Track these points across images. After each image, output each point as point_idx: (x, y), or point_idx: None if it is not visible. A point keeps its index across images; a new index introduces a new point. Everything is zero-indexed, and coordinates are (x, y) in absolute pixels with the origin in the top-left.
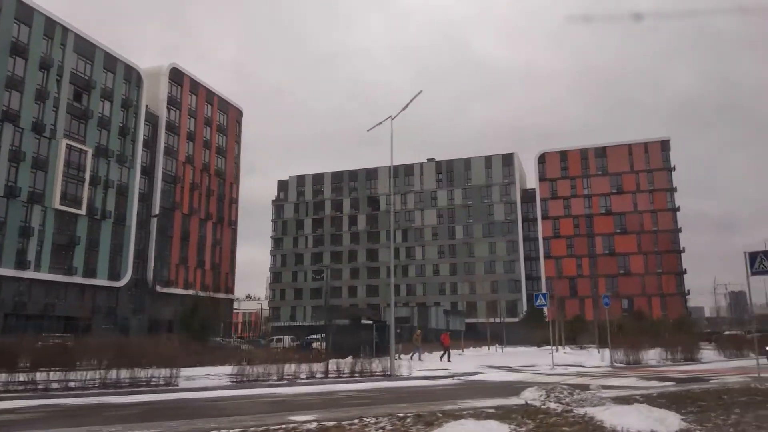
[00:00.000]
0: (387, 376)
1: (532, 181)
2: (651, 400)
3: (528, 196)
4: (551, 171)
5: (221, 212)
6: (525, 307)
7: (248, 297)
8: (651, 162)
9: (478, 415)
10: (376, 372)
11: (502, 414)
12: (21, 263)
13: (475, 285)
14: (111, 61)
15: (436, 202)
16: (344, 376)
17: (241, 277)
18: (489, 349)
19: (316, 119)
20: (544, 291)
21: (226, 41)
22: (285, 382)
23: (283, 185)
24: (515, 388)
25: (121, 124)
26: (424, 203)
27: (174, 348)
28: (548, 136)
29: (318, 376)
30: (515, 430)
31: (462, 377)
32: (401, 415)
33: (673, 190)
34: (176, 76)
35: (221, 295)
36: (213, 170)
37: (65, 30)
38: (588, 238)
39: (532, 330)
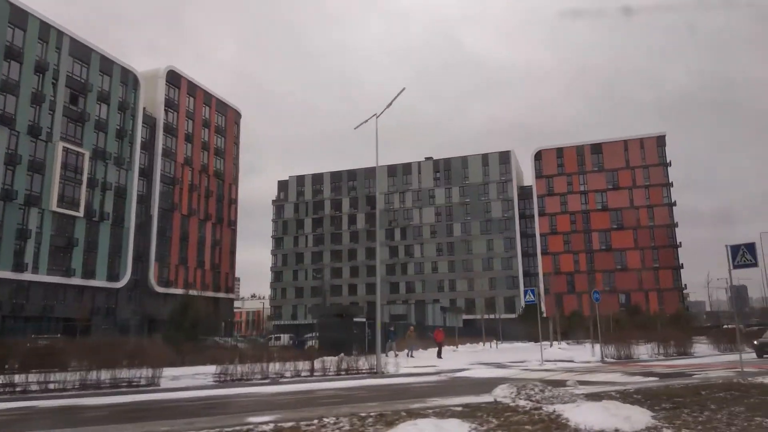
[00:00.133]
0: (373, 373)
1: (528, 179)
2: (626, 396)
3: (525, 193)
4: (547, 168)
5: (220, 213)
6: (523, 303)
7: (253, 296)
8: (647, 158)
9: (443, 413)
10: (362, 370)
11: (467, 413)
12: (18, 265)
13: (473, 282)
14: (107, 64)
15: (434, 200)
16: (330, 374)
17: (247, 277)
18: (484, 345)
19: (316, 120)
20: (542, 287)
21: (225, 43)
22: (268, 381)
23: (283, 185)
24: (495, 385)
25: (118, 127)
26: (422, 201)
27: (158, 348)
28: (546, 134)
29: (303, 374)
30: (476, 430)
31: (449, 374)
32: (363, 414)
33: (669, 185)
34: (173, 78)
35: (221, 295)
36: (212, 171)
37: (60, 33)
38: (585, 234)
39: (529, 326)
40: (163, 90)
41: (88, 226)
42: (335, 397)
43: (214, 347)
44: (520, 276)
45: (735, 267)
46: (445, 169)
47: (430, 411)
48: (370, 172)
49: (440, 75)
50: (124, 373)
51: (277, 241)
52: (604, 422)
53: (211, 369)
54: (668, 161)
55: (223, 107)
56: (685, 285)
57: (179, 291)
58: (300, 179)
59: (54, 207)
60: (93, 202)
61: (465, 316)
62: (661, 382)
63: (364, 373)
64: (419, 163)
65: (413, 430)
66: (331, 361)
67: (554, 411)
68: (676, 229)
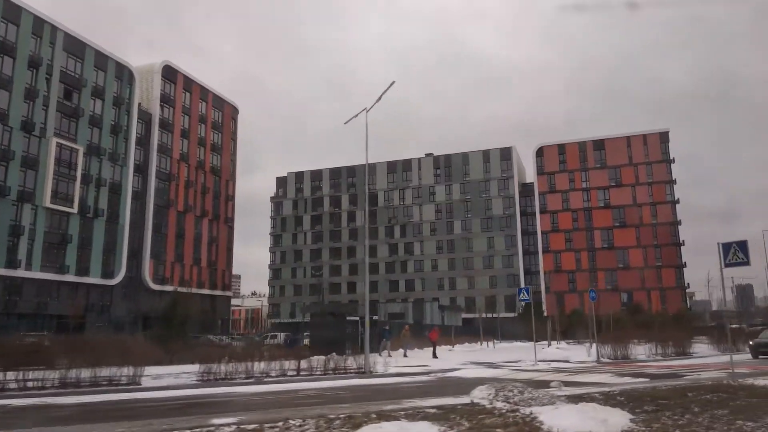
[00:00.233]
0: (361, 373)
1: (530, 175)
2: (609, 398)
3: (526, 190)
4: (549, 164)
5: (217, 209)
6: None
7: (254, 294)
8: (650, 154)
9: (415, 415)
10: (350, 369)
11: (440, 415)
12: (11, 262)
13: (473, 280)
14: (102, 59)
15: (435, 197)
16: (317, 373)
17: (249, 275)
18: (482, 344)
19: (316, 117)
20: (543, 285)
21: (226, 39)
22: (253, 380)
23: (281, 182)
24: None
25: (113, 122)
26: (423, 198)
27: (143, 346)
28: (548, 130)
29: (290, 374)
30: None
31: (439, 374)
32: (332, 416)
33: (672, 182)
34: (169, 73)
35: (218, 292)
36: (208, 167)
37: (54, 28)
38: (587, 231)
39: (529, 325)
40: (159, 85)
41: (82, 222)
42: (315, 398)
43: (207, 345)
44: (521, 274)
45: (726, 265)
46: (445, 165)
47: (402, 413)
48: (370, 169)
49: (441, 72)
50: (105, 372)
51: (276, 238)
52: (579, 425)
53: (196, 368)
54: (672, 158)
55: (219, 102)
56: (688, 284)
57: (184, 290)
58: (299, 176)
59: (47, 203)
60: (87, 198)
61: (465, 315)
62: (650, 383)
63: (351, 373)
64: (419, 159)
65: None
66: (318, 360)
67: (531, 413)
68: (679, 227)
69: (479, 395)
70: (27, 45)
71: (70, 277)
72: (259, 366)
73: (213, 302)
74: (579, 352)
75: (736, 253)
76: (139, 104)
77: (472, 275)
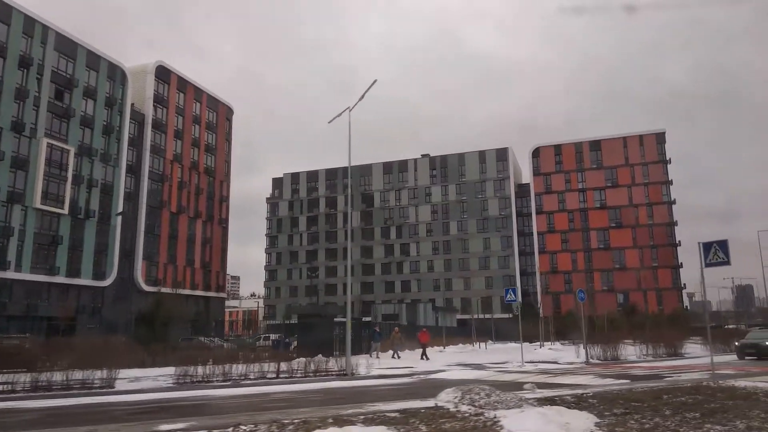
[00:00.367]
0: (343, 375)
1: (526, 176)
2: (581, 400)
3: (522, 190)
4: (545, 165)
5: (211, 210)
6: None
7: (252, 295)
8: (646, 155)
9: (373, 420)
10: (332, 371)
11: (400, 419)
12: (1, 263)
13: (469, 281)
14: (94, 59)
15: (430, 198)
16: (297, 376)
17: (247, 276)
18: (474, 345)
19: (314, 118)
20: (539, 286)
21: (226, 39)
22: (230, 383)
23: (277, 183)
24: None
25: (105, 123)
26: (418, 199)
27: (122, 348)
28: (545, 131)
29: (269, 376)
30: None
31: (422, 376)
32: (286, 421)
33: (668, 183)
34: (162, 73)
35: (212, 294)
36: (202, 168)
37: (45, 28)
38: (583, 232)
39: (524, 326)
40: (152, 85)
41: (73, 223)
42: (284, 401)
43: (195, 347)
44: (517, 275)
45: (707, 265)
46: (441, 166)
47: (362, 417)
48: (365, 169)
49: (441, 72)
50: (78, 375)
51: (272, 239)
52: (539, 429)
53: (175, 371)
54: (668, 158)
55: (214, 103)
56: (685, 284)
57: (168, 290)
58: (295, 176)
59: (38, 204)
60: (78, 199)
61: (460, 316)
62: (629, 384)
63: (332, 376)
64: (415, 160)
65: None
66: (299, 362)
67: (495, 417)
68: (676, 227)
69: (445, 398)
70: (18, 44)
71: (60, 279)
72: (237, 368)
73: (207, 304)
74: (570, 354)
75: (716, 252)
76: (132, 105)
77: (468, 276)
